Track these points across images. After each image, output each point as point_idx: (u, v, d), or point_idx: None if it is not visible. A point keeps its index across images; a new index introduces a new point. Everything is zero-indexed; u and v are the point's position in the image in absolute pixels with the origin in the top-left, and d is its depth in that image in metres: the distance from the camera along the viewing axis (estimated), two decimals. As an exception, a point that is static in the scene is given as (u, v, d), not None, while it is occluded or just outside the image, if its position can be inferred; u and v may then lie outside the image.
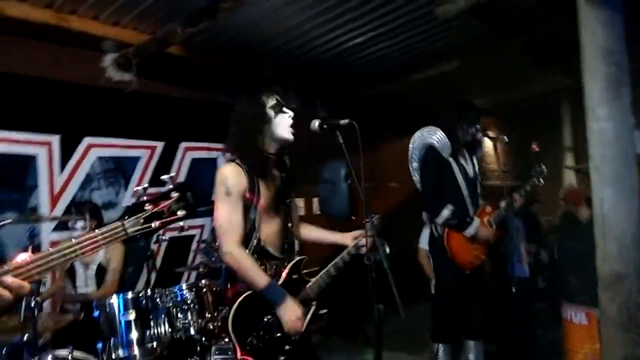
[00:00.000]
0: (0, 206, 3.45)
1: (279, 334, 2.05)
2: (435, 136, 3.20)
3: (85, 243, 1.25)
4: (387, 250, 1.95)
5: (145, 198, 1.37)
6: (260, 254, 2.12)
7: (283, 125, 2.17)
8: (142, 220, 1.34)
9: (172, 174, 1.59)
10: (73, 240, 1.24)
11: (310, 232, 2.51)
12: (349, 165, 3.96)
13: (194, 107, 4.69)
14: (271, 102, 2.19)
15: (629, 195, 2.83)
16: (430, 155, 3.20)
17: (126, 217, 1.33)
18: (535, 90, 7.09)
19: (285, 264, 2.17)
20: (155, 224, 1.36)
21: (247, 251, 2.07)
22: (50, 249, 1.23)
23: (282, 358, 2.04)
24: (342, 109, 6.12)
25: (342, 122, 2.03)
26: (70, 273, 3.37)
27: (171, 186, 1.43)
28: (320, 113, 6.09)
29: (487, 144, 8.83)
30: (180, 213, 1.40)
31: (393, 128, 6.90)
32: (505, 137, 3.46)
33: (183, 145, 4.63)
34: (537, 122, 8.08)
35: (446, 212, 3.07)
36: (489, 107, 7.88)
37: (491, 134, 3.67)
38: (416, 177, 3.32)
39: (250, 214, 2.10)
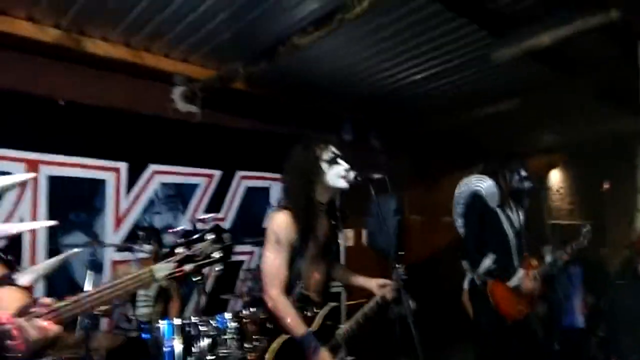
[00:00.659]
0: (70, 226, 3.79)
1: None
2: (483, 184, 3.17)
3: (116, 288, 1.27)
4: (412, 305, 1.97)
5: (178, 241, 1.37)
6: (303, 300, 2.21)
7: (337, 176, 2.23)
8: (172, 265, 1.33)
9: (212, 215, 1.62)
10: (106, 284, 1.27)
11: (353, 279, 2.56)
12: (399, 200, 3.98)
13: (251, 137, 4.91)
14: (325, 155, 2.26)
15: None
16: (476, 203, 3.16)
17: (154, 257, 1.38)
18: (607, 129, 6.76)
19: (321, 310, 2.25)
20: (188, 267, 1.34)
21: (290, 297, 2.16)
22: (87, 292, 1.27)
23: None
24: (397, 143, 6.21)
25: (376, 176, 2.10)
26: (132, 295, 3.59)
27: (207, 227, 1.42)
28: (374, 144, 6.19)
29: (553, 182, 8.57)
30: (215, 255, 1.39)
31: (448, 163, 6.83)
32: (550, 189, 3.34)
33: (239, 174, 4.84)
34: (608, 161, 7.69)
35: (487, 262, 3.02)
36: (557, 145, 7.64)
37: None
38: (459, 223, 3.30)
39: (297, 262, 2.19)
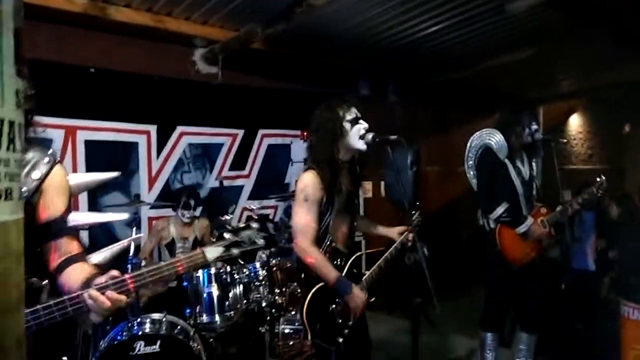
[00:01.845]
0: (108, 187, 4.07)
1: (340, 320, 2.37)
2: (494, 138, 3.31)
3: (174, 265, 1.43)
4: (426, 251, 2.18)
5: (228, 227, 1.55)
6: (332, 252, 2.43)
7: (357, 136, 2.38)
8: (221, 249, 1.49)
9: (257, 207, 1.79)
10: (162, 263, 1.44)
11: (370, 227, 2.81)
12: (416, 152, 4.19)
13: (271, 96, 5.07)
14: (348, 115, 2.40)
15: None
16: (486, 156, 3.33)
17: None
18: (627, 74, 6.68)
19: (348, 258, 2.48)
20: (234, 252, 1.50)
21: (321, 249, 2.37)
22: (147, 268, 1.43)
23: (340, 339, 2.37)
24: (414, 95, 6.28)
25: (392, 137, 2.26)
26: (170, 246, 3.89)
27: (255, 217, 1.67)
28: (392, 97, 6.28)
29: (573, 127, 8.54)
30: (260, 242, 1.56)
31: (465, 113, 6.89)
32: (563, 140, 3.44)
33: (261, 132, 5.05)
34: (628, 106, 7.63)
35: (500, 210, 3.21)
36: (576, 90, 7.58)
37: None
38: (470, 175, 3.47)
39: (325, 218, 2.39)
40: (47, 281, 1.40)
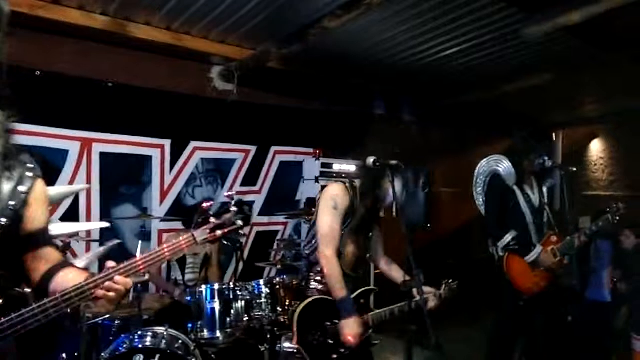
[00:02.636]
0: (122, 198, 4.16)
1: (331, 341, 2.37)
2: (502, 165, 3.29)
3: (171, 248, 1.57)
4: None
5: (211, 212, 1.70)
6: None
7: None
8: (208, 231, 1.65)
9: (232, 192, 1.98)
10: (162, 246, 1.57)
11: (388, 269, 2.78)
12: (428, 173, 4.14)
13: (285, 113, 5.13)
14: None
15: None
16: (494, 182, 3.30)
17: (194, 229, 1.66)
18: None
19: (357, 285, 2.51)
20: (218, 233, 1.66)
21: None
22: (146, 254, 1.54)
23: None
24: (430, 116, 6.26)
25: (392, 162, 2.27)
26: (181, 261, 3.90)
27: (232, 201, 1.75)
28: (407, 118, 6.27)
29: (594, 152, 8.37)
30: (239, 223, 1.70)
31: (482, 134, 6.84)
32: (573, 169, 3.37)
33: (273, 149, 5.10)
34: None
35: (508, 237, 3.16)
36: (598, 115, 7.45)
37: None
38: (479, 202, 3.44)
39: (342, 230, 2.45)
40: (31, 290, 1.47)
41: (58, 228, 2.07)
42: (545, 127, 7.76)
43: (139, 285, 3.01)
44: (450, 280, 2.67)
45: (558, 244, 3.27)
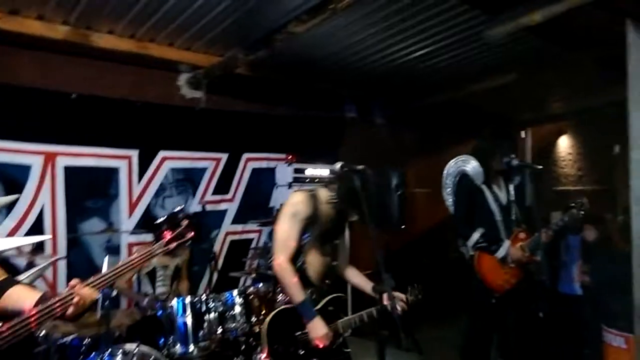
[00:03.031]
0: (88, 212, 4.05)
1: (302, 352, 2.35)
2: (469, 165, 3.32)
3: (134, 262, 1.65)
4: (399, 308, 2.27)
5: (165, 226, 1.82)
6: (301, 277, 2.42)
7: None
8: (164, 243, 1.77)
9: (181, 207, 2.05)
10: (124, 260, 1.64)
11: (353, 278, 2.75)
12: (401, 175, 4.13)
13: (256, 119, 5.08)
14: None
15: (669, 228, 2.80)
16: (463, 182, 3.35)
17: (154, 242, 1.80)
18: (616, 96, 6.71)
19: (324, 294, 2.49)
20: (172, 245, 1.79)
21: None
22: (111, 269, 1.60)
23: None
24: (401, 118, 6.31)
25: (359, 167, 2.27)
26: (151, 274, 3.81)
27: (181, 215, 1.89)
28: (376, 121, 6.30)
29: (562, 148, 8.57)
30: (189, 235, 1.83)
31: (453, 135, 6.91)
32: (539, 167, 3.42)
33: (245, 156, 5.04)
34: (617, 127, 7.65)
35: (476, 235, 3.20)
36: (565, 112, 7.62)
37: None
38: (449, 202, 3.47)
39: (304, 239, 2.43)
40: None
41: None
42: (514, 125, 7.91)
43: (107, 302, 2.92)
44: (416, 285, 2.66)
45: (526, 240, 3.31)
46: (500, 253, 3.19)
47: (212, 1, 3.47)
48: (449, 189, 3.47)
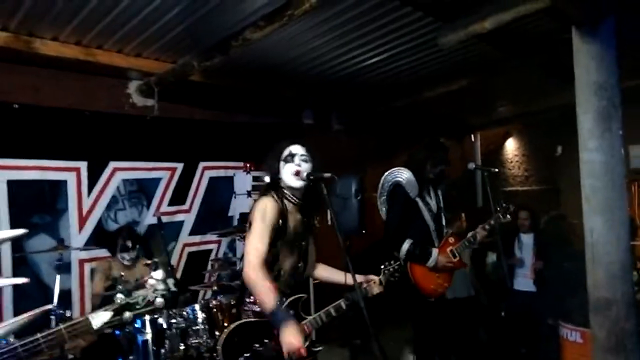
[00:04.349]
0: (35, 228, 3.81)
1: None
2: (404, 176, 3.40)
3: (51, 338, 1.31)
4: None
5: (120, 288, 1.40)
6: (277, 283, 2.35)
7: (290, 174, 2.39)
8: (110, 313, 1.29)
9: (155, 259, 1.60)
10: (39, 335, 1.30)
11: (323, 272, 2.72)
12: (360, 180, 4.15)
13: (212, 127, 4.97)
14: (283, 153, 2.45)
15: (617, 224, 2.93)
16: (397, 192, 3.41)
17: (91, 311, 1.32)
18: (562, 99, 7.03)
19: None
20: (126, 315, 1.30)
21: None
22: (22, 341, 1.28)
23: None
24: (358, 124, 6.35)
25: (326, 175, 2.25)
26: (112, 288, 3.58)
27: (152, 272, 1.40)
28: (334, 127, 6.32)
29: (509, 150, 8.91)
30: (158, 302, 1.33)
31: (409, 140, 7.03)
32: (495, 169, 3.54)
33: (202, 164, 4.91)
34: (563, 128, 8.03)
35: (406, 246, 3.27)
36: (511, 116, 7.94)
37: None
38: (382, 211, 3.56)
39: (277, 245, 2.36)
40: None
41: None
42: (464, 129, 8.16)
43: (60, 323, 2.74)
44: (389, 263, 2.65)
45: (456, 244, 3.42)
46: (431, 263, 3.29)
47: (164, 7, 3.36)
48: (383, 198, 3.53)
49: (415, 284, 3.30)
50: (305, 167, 2.40)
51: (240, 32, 3.51)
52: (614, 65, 3.00)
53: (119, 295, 1.31)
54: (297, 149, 2.46)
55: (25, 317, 1.38)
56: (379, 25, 3.90)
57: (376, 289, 2.56)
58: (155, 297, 1.35)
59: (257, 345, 2.28)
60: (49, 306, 1.45)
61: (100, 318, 1.28)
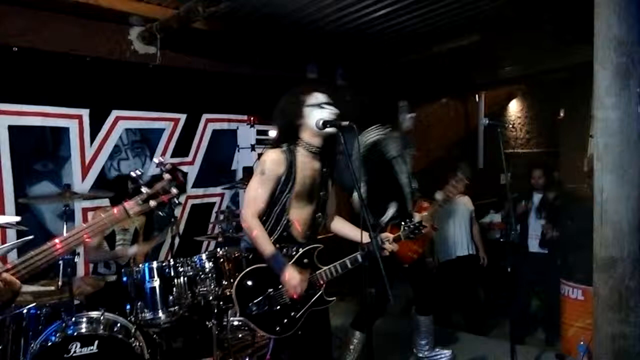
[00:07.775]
0: (37, 176, 3.76)
1: (277, 307, 2.30)
2: (381, 135, 3.30)
3: (93, 227, 1.50)
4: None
5: (141, 182, 1.63)
6: (286, 236, 2.38)
7: (314, 121, 2.32)
8: (140, 202, 1.57)
9: (161, 159, 1.83)
10: (83, 225, 1.48)
11: (342, 228, 2.70)
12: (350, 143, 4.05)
13: (216, 79, 4.84)
14: (310, 100, 2.38)
15: (629, 183, 2.91)
16: (373, 154, 3.25)
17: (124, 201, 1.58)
18: (568, 61, 6.91)
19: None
20: (152, 203, 1.59)
21: (277, 230, 2.36)
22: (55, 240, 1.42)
23: (278, 328, 2.30)
24: (362, 79, 6.22)
25: (344, 123, 2.19)
26: (110, 237, 3.61)
27: (163, 169, 1.69)
28: (340, 82, 6.19)
29: (512, 112, 8.82)
30: (174, 191, 1.64)
31: (416, 97, 6.92)
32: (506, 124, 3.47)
33: (205, 116, 4.82)
34: (567, 92, 7.93)
35: (391, 211, 3.18)
36: (515, 77, 7.81)
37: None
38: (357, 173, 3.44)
39: (283, 197, 2.35)
40: None
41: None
42: (469, 88, 8.03)
43: (69, 269, 2.74)
44: (410, 221, 2.62)
45: (429, 209, 3.37)
46: None
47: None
48: (360, 161, 3.34)
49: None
50: (333, 114, 2.35)
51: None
52: (635, 21, 2.90)
53: (144, 189, 1.60)
54: (323, 96, 2.42)
55: (6, 246, 1.65)
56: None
57: (389, 247, 2.54)
58: (171, 186, 1.64)
59: (271, 290, 2.30)
60: (30, 237, 1.60)
61: (134, 208, 1.58)
